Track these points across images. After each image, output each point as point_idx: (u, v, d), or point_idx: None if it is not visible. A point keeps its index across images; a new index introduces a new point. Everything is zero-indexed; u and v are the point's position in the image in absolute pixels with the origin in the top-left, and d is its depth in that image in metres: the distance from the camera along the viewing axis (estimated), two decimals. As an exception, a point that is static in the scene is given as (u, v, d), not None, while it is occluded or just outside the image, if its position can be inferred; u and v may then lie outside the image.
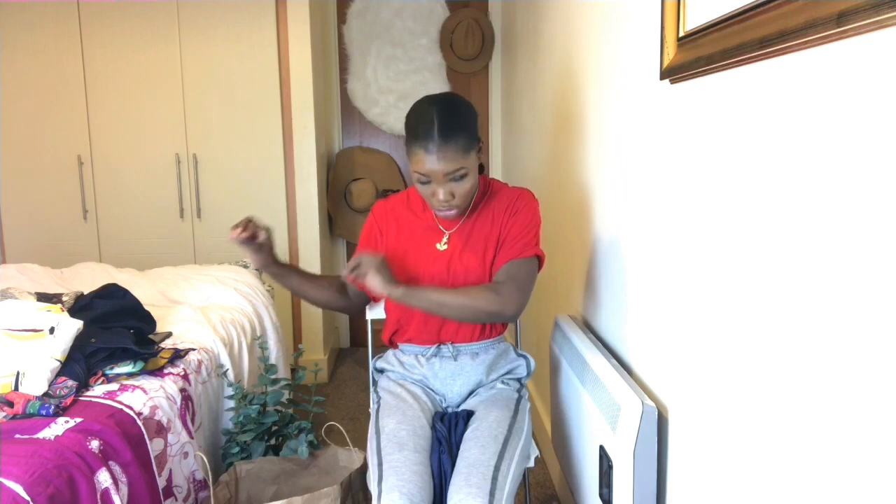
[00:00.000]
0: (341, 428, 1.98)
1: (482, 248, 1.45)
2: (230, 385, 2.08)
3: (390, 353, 1.59)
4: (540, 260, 1.44)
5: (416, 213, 1.51)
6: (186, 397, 1.79)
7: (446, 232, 1.48)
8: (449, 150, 1.30)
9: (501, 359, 1.51)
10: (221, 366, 2.10)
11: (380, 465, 1.28)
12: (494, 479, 1.23)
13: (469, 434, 1.35)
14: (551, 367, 1.79)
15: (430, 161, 1.30)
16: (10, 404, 1.48)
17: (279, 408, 2.09)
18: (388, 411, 1.41)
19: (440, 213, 1.40)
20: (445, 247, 1.47)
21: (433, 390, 1.51)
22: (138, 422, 1.53)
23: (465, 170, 1.33)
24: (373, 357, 1.69)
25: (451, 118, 1.32)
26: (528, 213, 1.45)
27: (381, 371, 1.60)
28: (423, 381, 1.51)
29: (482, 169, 1.47)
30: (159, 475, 1.57)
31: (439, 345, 1.48)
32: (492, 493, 1.20)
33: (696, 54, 0.96)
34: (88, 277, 2.55)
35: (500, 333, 1.53)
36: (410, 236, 1.49)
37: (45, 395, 1.52)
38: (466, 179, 1.35)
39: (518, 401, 1.46)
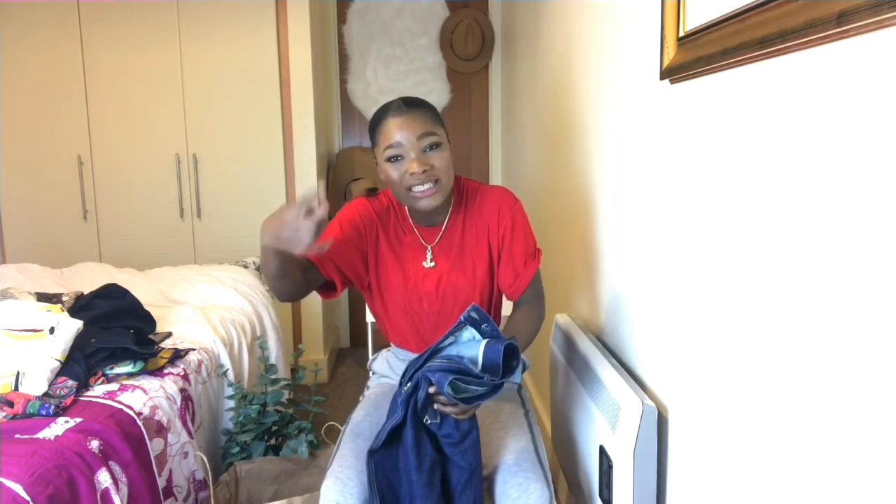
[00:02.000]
0: (341, 428, 1.98)
1: (471, 265, 1.38)
2: (230, 385, 2.08)
3: (383, 354, 1.56)
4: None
5: (401, 226, 1.41)
6: (186, 397, 1.79)
7: (428, 246, 1.39)
8: (417, 115, 1.26)
9: None
10: (221, 366, 2.10)
11: (334, 455, 1.27)
12: (541, 463, 1.23)
13: (491, 425, 1.31)
14: (551, 367, 1.79)
15: (398, 125, 1.24)
16: (10, 404, 1.48)
17: (279, 408, 2.09)
18: (363, 406, 1.41)
19: (419, 194, 1.26)
20: (432, 264, 1.39)
21: None
22: (138, 422, 1.53)
23: (437, 137, 1.26)
24: (372, 352, 1.69)
25: (414, 98, 1.32)
26: (521, 223, 1.38)
27: (374, 372, 1.58)
28: None
29: None
30: (159, 475, 1.57)
31: None
32: (545, 476, 1.19)
33: (696, 54, 0.96)
34: (88, 277, 2.56)
35: None
36: (398, 253, 1.40)
37: (45, 395, 1.52)
38: (441, 150, 1.26)
39: (519, 390, 1.48)
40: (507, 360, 1.07)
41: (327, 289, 1.36)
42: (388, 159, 1.26)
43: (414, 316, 1.40)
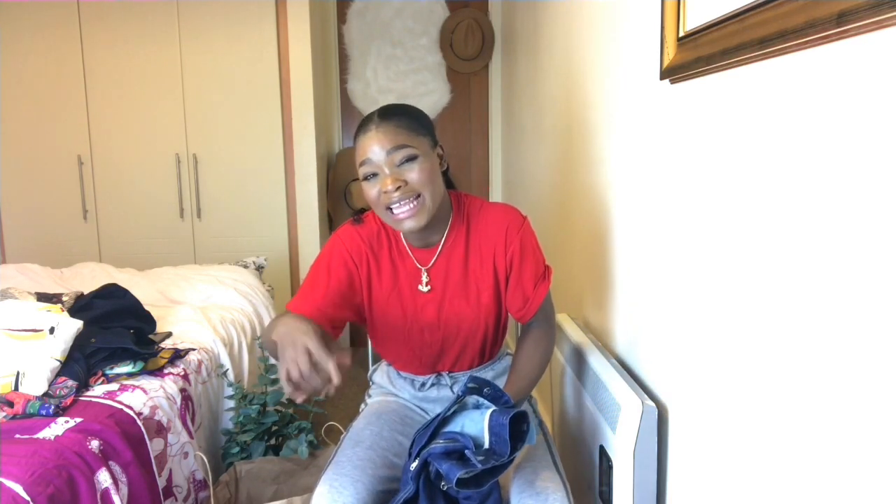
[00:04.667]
0: (341, 428, 1.98)
1: (475, 292, 1.28)
2: (230, 385, 2.08)
3: (383, 367, 1.49)
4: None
5: (396, 250, 1.31)
6: (186, 397, 1.79)
7: (423, 268, 1.29)
8: (390, 126, 1.15)
9: (503, 376, 1.39)
10: (221, 366, 2.10)
11: (330, 461, 1.23)
12: (559, 472, 1.19)
13: None
14: (552, 367, 1.79)
15: (369, 139, 1.15)
16: (10, 404, 1.48)
17: (279, 408, 2.09)
18: (364, 416, 1.36)
19: (399, 214, 1.16)
20: (428, 288, 1.28)
21: (425, 411, 1.42)
22: (138, 422, 1.53)
23: (412, 150, 1.14)
24: (372, 361, 1.67)
25: (394, 106, 1.22)
26: (531, 244, 1.28)
27: (374, 383, 1.52)
28: (414, 402, 1.43)
29: (450, 184, 1.33)
30: (159, 475, 1.57)
31: (438, 374, 1.38)
32: (564, 486, 1.15)
33: (696, 54, 0.96)
34: (88, 277, 2.56)
35: (499, 350, 1.43)
36: (394, 283, 1.29)
37: (45, 395, 1.52)
38: (418, 163, 1.14)
39: (529, 400, 1.43)
40: (517, 423, 1.04)
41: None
42: (364, 178, 1.17)
43: (415, 347, 1.33)
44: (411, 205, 1.15)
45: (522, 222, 1.28)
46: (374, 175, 1.16)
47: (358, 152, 1.18)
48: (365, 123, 1.19)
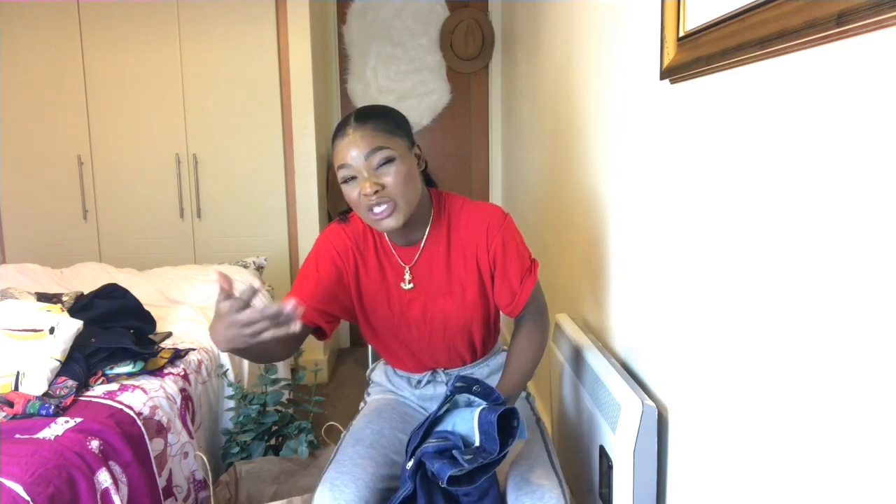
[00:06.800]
0: (341, 427, 1.98)
1: (459, 289, 1.30)
2: (230, 385, 2.08)
3: (381, 367, 1.51)
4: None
5: (381, 249, 1.32)
6: (186, 397, 1.79)
7: (406, 266, 1.30)
8: (367, 129, 1.16)
9: (499, 372, 1.40)
10: (221, 366, 2.10)
11: (331, 460, 1.24)
12: (555, 471, 1.19)
13: None
14: (551, 366, 1.79)
15: (347, 143, 1.16)
16: (10, 404, 1.48)
17: (279, 408, 2.10)
18: (364, 414, 1.37)
19: (375, 218, 1.18)
20: (411, 286, 1.30)
21: (424, 409, 1.43)
22: (138, 422, 1.54)
23: (390, 152, 1.15)
24: (372, 360, 1.68)
25: (370, 108, 1.24)
26: (513, 240, 1.28)
27: (374, 382, 1.53)
28: (413, 399, 1.44)
29: (431, 183, 1.34)
30: (159, 475, 1.57)
31: (434, 371, 1.40)
32: (560, 483, 1.15)
33: (696, 54, 0.96)
34: (88, 277, 2.56)
35: (494, 346, 1.45)
36: (381, 280, 1.31)
37: (45, 395, 1.52)
38: (395, 165, 1.16)
39: (528, 398, 1.44)
40: (507, 420, 1.05)
41: (317, 333, 1.30)
42: (343, 181, 1.19)
43: (405, 342, 1.35)
44: (387, 206, 1.17)
45: (504, 219, 1.29)
46: (353, 178, 1.17)
47: (336, 156, 1.18)
48: (342, 127, 1.20)
